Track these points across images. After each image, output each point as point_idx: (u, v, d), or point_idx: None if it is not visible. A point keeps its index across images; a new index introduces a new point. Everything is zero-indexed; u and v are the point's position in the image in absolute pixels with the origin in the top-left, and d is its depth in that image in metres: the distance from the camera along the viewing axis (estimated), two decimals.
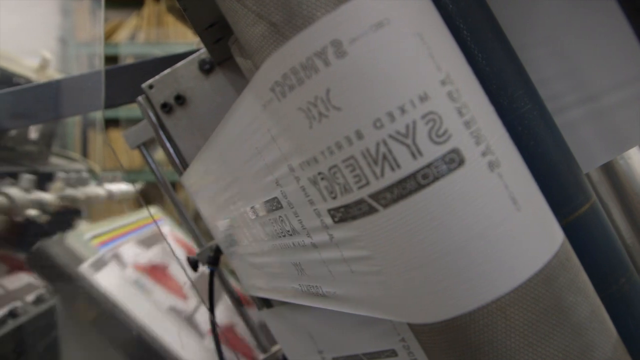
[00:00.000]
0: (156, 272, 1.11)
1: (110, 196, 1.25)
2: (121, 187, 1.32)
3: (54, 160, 1.27)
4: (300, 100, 0.24)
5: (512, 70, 0.32)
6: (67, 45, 2.34)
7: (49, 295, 1.11)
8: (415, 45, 0.23)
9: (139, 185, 1.38)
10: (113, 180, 1.33)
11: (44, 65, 1.10)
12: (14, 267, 1.15)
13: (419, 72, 0.23)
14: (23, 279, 1.12)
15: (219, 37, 0.45)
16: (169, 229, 1.30)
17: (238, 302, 0.57)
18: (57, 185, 1.02)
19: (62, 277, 1.01)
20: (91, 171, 1.37)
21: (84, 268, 1.01)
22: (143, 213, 1.30)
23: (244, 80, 0.50)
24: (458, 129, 0.23)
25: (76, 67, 2.45)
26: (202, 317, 1.06)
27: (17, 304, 1.01)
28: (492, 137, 0.24)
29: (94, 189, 1.18)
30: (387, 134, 0.23)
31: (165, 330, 0.96)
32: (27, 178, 0.90)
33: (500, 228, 0.23)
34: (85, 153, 2.06)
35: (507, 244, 0.23)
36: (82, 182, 1.14)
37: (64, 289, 1.02)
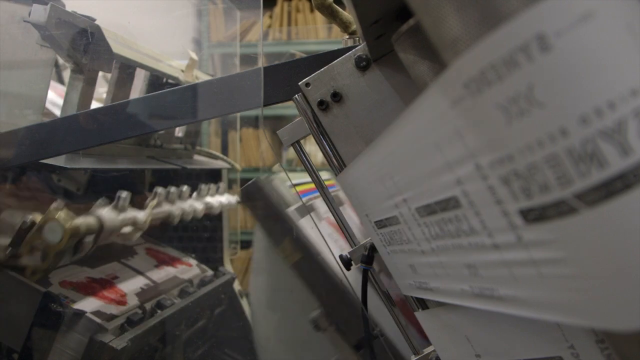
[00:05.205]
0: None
1: (210, 209, 1.27)
2: (221, 199, 1.33)
3: (198, 158, 1.33)
4: (499, 97, 0.23)
5: None
6: (201, 47, 2.46)
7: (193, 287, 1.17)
8: (624, 37, 0.21)
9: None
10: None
11: (191, 65, 1.15)
12: (161, 261, 1.22)
13: (629, 65, 0.21)
14: (170, 272, 1.18)
15: (381, 33, 0.45)
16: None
17: (390, 302, 0.57)
18: (153, 202, 1.04)
19: (270, 215, 1.05)
20: (233, 168, 1.42)
21: (291, 211, 1.04)
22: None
23: (402, 76, 0.50)
24: None
25: (211, 67, 2.58)
26: None
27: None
28: None
29: (192, 203, 1.21)
30: (595, 130, 0.21)
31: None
32: (123, 197, 0.92)
33: None
34: (225, 151, 2.15)
35: None
36: (182, 197, 1.17)
37: (272, 228, 1.06)
